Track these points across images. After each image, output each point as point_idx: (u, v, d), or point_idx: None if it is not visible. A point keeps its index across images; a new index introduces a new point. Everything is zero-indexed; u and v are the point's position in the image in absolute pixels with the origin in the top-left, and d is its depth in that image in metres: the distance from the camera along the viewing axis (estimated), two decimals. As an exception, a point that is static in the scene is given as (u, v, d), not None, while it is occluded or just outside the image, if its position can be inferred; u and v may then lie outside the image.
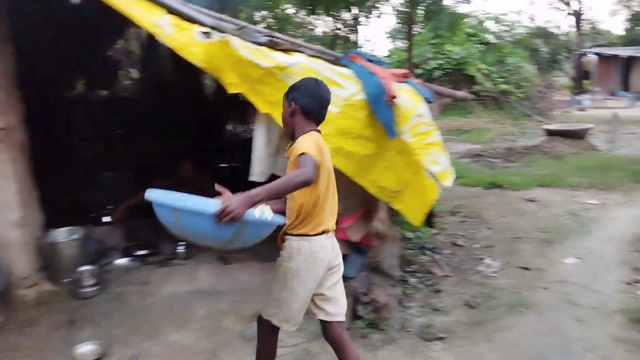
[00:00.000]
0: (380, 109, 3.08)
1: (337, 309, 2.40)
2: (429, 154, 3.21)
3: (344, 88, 3.12)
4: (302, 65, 3.09)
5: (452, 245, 5.11)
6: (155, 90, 8.26)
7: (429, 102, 3.28)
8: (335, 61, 3.31)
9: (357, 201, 3.69)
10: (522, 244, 5.16)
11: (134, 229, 5.32)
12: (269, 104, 3.16)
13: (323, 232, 2.30)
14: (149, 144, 7.48)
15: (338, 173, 3.48)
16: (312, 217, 2.26)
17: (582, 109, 20.45)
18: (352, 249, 3.63)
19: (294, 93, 2.37)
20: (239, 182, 6.65)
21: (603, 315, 3.54)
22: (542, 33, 31.25)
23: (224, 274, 3.99)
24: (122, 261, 4.37)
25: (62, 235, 3.98)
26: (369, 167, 3.27)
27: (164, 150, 7.37)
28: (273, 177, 3.51)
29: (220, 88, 8.38)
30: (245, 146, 8.39)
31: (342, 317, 2.41)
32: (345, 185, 3.59)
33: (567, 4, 30.19)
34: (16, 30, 3.65)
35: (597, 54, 29.57)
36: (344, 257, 3.63)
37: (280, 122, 3.12)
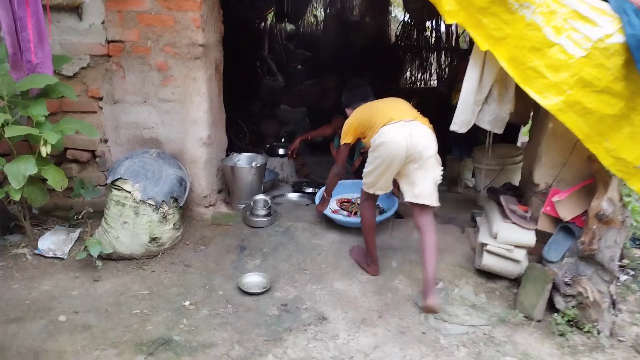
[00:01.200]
0: (646, 57, 2.33)
1: (418, 190, 2.83)
2: (703, 125, 2.39)
3: (597, 26, 2.41)
4: (545, -8, 2.44)
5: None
6: (339, 29, 8.01)
7: None
8: (588, -9, 2.58)
9: (576, 172, 3.01)
10: None
11: (305, 164, 5.24)
12: (491, 40, 2.60)
13: (391, 122, 2.85)
14: (328, 82, 7.33)
15: (558, 134, 2.86)
16: (375, 129, 2.91)
17: None
18: (559, 228, 3.00)
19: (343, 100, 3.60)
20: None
21: None
22: None
23: (397, 228, 3.64)
24: (293, 196, 4.28)
25: (243, 161, 3.97)
26: (608, 131, 2.56)
27: (341, 89, 7.17)
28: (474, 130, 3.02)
29: (404, 31, 7.86)
30: (423, 96, 7.84)
31: (426, 202, 2.82)
32: (563, 151, 2.95)
33: None
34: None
35: None
36: (548, 235, 3.05)
37: (503, 61, 2.58)
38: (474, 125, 4.55)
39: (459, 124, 2.89)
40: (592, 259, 2.86)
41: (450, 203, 4.50)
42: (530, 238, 2.97)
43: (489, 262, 3.02)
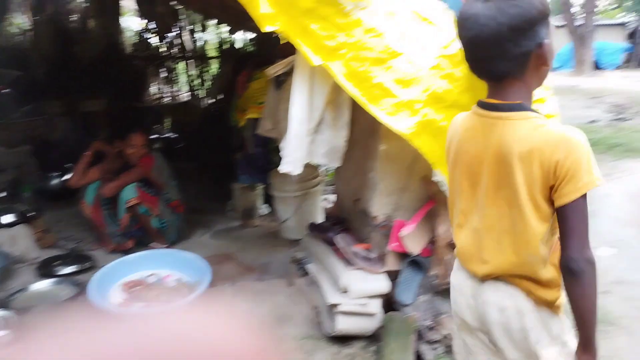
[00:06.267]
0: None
1: None
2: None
3: (441, 29, 2.02)
4: (380, -12, 1.93)
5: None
6: (56, 40, 6.40)
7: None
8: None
9: (413, 196, 2.64)
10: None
11: (48, 229, 3.83)
12: (323, 52, 1.97)
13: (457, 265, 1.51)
14: (52, 107, 5.75)
15: (392, 157, 2.45)
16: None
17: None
18: (407, 264, 2.60)
19: None
20: (178, 156, 5.16)
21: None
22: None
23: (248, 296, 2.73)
24: (42, 286, 2.93)
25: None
26: (454, 151, 2.22)
27: (70, 116, 5.71)
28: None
29: (142, 38, 6.78)
30: (176, 111, 6.92)
31: None
32: (398, 174, 2.56)
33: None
34: None
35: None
36: (395, 274, 2.63)
37: (343, 78, 1.97)
38: (266, 145, 3.97)
39: (294, 162, 2.20)
40: (448, 292, 2.54)
41: (253, 243, 3.81)
42: (384, 284, 2.49)
43: (344, 325, 2.43)
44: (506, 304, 1.32)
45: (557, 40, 22.88)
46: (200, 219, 4.22)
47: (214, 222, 4.20)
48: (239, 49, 5.91)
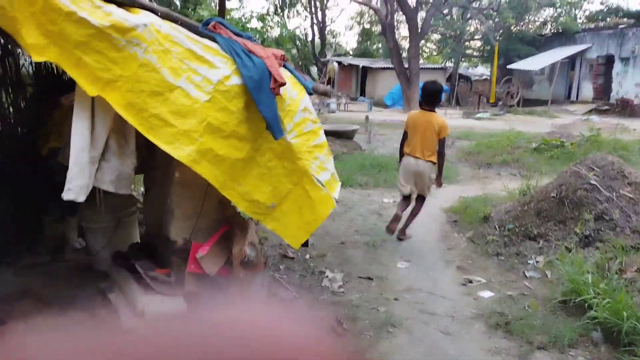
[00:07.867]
0: (264, 99, 2.31)
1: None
2: (316, 158, 2.57)
3: (215, 67, 2.24)
4: (155, 29, 2.10)
5: (283, 258, 4.55)
6: None
7: (309, 94, 2.64)
8: (195, 30, 2.38)
9: (210, 220, 2.82)
10: (351, 249, 4.93)
11: None
12: (100, 83, 2.06)
13: (409, 154, 4.76)
14: None
15: (187, 183, 2.61)
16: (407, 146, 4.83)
17: (331, 112, 21.97)
18: (207, 285, 2.74)
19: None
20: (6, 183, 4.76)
21: (464, 324, 3.45)
22: (292, 37, 33.11)
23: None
24: None
25: None
26: (239, 175, 2.45)
27: None
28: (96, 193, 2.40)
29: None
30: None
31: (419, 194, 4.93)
32: (195, 200, 2.72)
33: (313, 14, 32.55)
34: None
35: (338, 62, 33.11)
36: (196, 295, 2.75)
37: (119, 108, 2.09)
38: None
39: (76, 190, 2.22)
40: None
41: (61, 278, 3.64)
42: (180, 304, 2.60)
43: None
44: (426, 165, 4.73)
45: (391, 81, 25.38)
46: (4, 254, 3.92)
47: (20, 258, 3.93)
48: (56, 75, 5.64)
